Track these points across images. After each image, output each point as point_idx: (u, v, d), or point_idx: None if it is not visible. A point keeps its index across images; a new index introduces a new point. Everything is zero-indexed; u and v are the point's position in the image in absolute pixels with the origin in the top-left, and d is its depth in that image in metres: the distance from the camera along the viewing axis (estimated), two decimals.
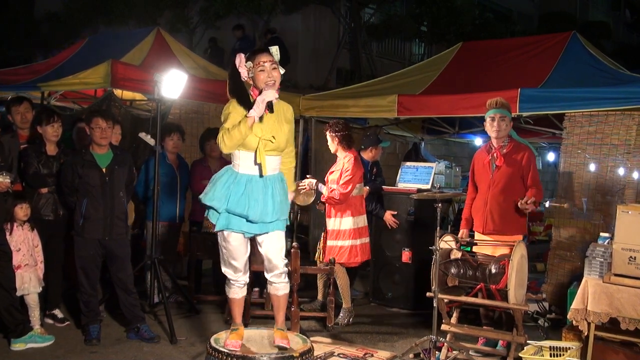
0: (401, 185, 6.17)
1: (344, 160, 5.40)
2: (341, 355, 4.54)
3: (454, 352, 4.42)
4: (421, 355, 4.37)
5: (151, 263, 5.17)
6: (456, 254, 4.58)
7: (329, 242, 5.48)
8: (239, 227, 3.58)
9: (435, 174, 6.20)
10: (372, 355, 4.61)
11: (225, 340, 3.66)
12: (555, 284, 5.60)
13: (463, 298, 4.42)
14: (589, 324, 4.13)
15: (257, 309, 5.37)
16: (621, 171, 5.35)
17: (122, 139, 5.83)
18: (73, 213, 4.78)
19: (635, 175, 5.33)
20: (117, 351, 4.58)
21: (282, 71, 3.60)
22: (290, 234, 6.48)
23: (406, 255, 5.95)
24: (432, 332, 4.24)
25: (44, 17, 13.52)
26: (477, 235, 4.73)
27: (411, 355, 4.50)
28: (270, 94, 3.49)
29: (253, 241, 3.75)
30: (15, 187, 4.65)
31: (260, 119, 3.54)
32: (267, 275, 3.75)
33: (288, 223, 3.77)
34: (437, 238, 4.27)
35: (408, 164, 6.43)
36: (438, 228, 4.26)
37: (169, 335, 4.84)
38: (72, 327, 5.07)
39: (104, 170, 4.71)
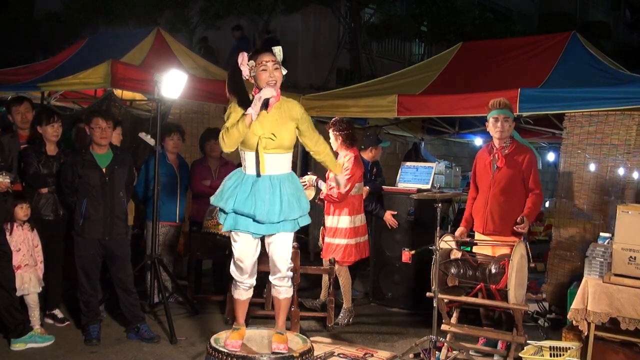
0: (401, 185, 6.17)
1: (344, 159, 5.40)
2: (341, 355, 4.54)
3: (454, 352, 4.42)
4: (421, 355, 4.37)
5: (151, 263, 5.17)
6: (456, 254, 4.58)
7: (326, 239, 5.50)
8: (245, 228, 3.57)
9: (435, 174, 6.20)
10: (372, 355, 4.61)
11: (225, 339, 3.65)
12: (555, 284, 5.60)
13: (463, 298, 4.42)
14: (589, 324, 4.13)
15: (258, 308, 5.37)
16: (621, 171, 5.35)
17: (122, 139, 5.84)
18: (73, 213, 4.78)
19: (635, 175, 5.33)
20: (117, 351, 4.58)
21: (284, 72, 3.59)
22: None
23: (406, 255, 5.94)
24: (432, 332, 4.24)
25: (44, 17, 13.54)
26: (477, 236, 4.72)
27: (411, 355, 4.50)
28: (267, 92, 3.48)
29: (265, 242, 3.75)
30: (15, 187, 4.65)
31: (262, 117, 3.55)
32: (270, 278, 3.74)
33: (307, 222, 3.71)
34: (437, 238, 4.27)
35: (408, 164, 6.43)
36: (438, 228, 4.26)
37: (169, 335, 4.84)
38: (72, 327, 5.07)
39: (104, 170, 4.71)
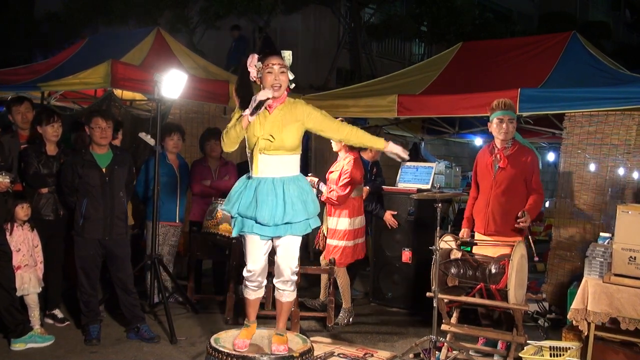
0: (401, 185, 6.17)
1: (344, 162, 5.39)
2: (341, 355, 4.54)
3: (454, 352, 4.42)
4: (421, 355, 4.37)
5: (151, 263, 5.17)
6: (456, 254, 4.58)
7: (328, 241, 5.50)
8: (250, 230, 3.60)
9: (435, 174, 6.20)
10: (372, 355, 4.61)
11: (234, 337, 3.67)
12: (555, 284, 5.60)
13: (463, 298, 4.42)
14: (589, 324, 4.13)
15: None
16: (621, 171, 5.35)
17: (122, 138, 5.84)
18: (73, 213, 4.78)
19: (635, 175, 5.33)
20: (117, 351, 4.58)
21: (291, 76, 3.60)
22: None
23: (406, 255, 5.96)
24: (432, 332, 4.25)
25: (44, 17, 13.52)
26: (478, 236, 4.72)
27: (411, 355, 4.50)
28: (262, 94, 3.50)
29: None
30: (15, 187, 4.65)
31: (264, 118, 3.56)
32: (274, 280, 3.75)
33: (317, 225, 3.71)
34: (437, 238, 4.27)
35: (408, 164, 6.41)
36: (438, 228, 4.26)
37: (169, 335, 4.84)
38: (72, 327, 5.07)
39: (104, 170, 4.72)
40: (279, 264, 3.66)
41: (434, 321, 4.26)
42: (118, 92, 6.68)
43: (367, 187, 5.94)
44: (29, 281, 4.67)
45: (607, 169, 5.41)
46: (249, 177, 3.68)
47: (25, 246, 4.71)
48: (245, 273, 3.73)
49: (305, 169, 7.50)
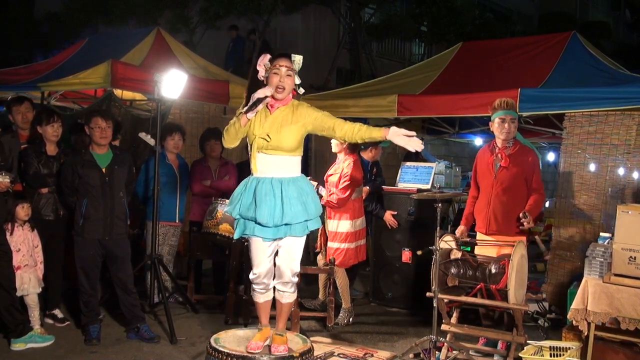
0: (401, 185, 6.17)
1: (344, 165, 5.39)
2: (341, 355, 4.54)
3: (454, 352, 4.42)
4: (421, 355, 4.38)
5: (151, 263, 5.17)
6: (456, 254, 4.58)
7: (329, 244, 5.49)
8: (252, 231, 3.60)
9: (435, 174, 6.20)
10: (372, 355, 4.61)
11: (249, 341, 3.67)
12: (555, 284, 5.60)
13: (463, 298, 4.42)
14: (589, 324, 4.13)
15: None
16: (621, 171, 5.35)
17: (122, 138, 5.83)
18: (73, 213, 4.78)
19: (635, 175, 5.33)
20: (117, 351, 4.58)
21: (297, 81, 3.59)
22: None
23: (406, 255, 5.96)
24: (432, 332, 4.25)
25: (44, 17, 13.52)
26: (480, 236, 4.72)
27: (411, 355, 4.50)
28: (261, 92, 3.50)
29: None
30: (15, 187, 4.65)
31: (264, 117, 3.58)
32: (274, 280, 3.74)
33: (317, 226, 3.70)
34: (437, 238, 4.27)
35: (408, 164, 6.43)
36: (438, 228, 4.26)
37: (169, 335, 4.84)
38: (72, 327, 5.07)
39: (103, 170, 4.72)
40: (280, 265, 3.66)
41: (434, 321, 4.26)
42: (118, 92, 6.68)
43: (367, 187, 5.94)
44: (28, 281, 4.68)
45: (607, 169, 5.41)
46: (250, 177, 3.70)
47: (26, 246, 4.71)
48: (250, 276, 3.74)
49: (305, 170, 7.49)
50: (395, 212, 5.96)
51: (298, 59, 3.59)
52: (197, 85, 6.74)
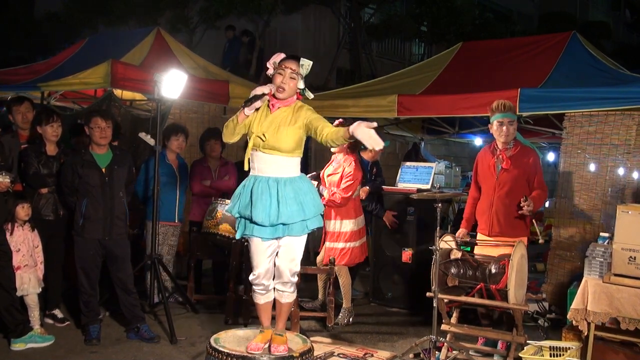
0: (401, 185, 6.17)
1: (345, 164, 5.39)
2: (341, 355, 4.54)
3: (453, 352, 4.42)
4: (421, 355, 4.38)
5: (151, 263, 5.17)
6: (456, 254, 4.58)
7: (328, 244, 5.48)
8: (251, 232, 3.62)
9: (435, 174, 6.20)
10: (372, 355, 4.61)
11: (249, 343, 3.67)
12: (555, 284, 5.60)
13: (463, 298, 4.42)
14: (588, 324, 4.13)
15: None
16: (621, 171, 5.35)
17: (122, 138, 5.83)
18: (73, 213, 4.78)
19: (635, 175, 5.33)
20: (117, 351, 4.58)
21: (301, 85, 3.57)
22: None
23: (406, 255, 5.96)
24: (432, 332, 4.25)
25: (44, 17, 13.52)
26: (483, 238, 4.70)
27: (411, 355, 4.50)
28: (258, 89, 3.51)
29: None
30: (15, 187, 4.65)
31: (264, 116, 3.60)
32: (274, 280, 3.74)
33: (316, 225, 3.68)
34: (437, 238, 4.27)
35: (408, 164, 6.43)
36: (438, 228, 4.26)
37: (169, 335, 4.84)
38: (72, 327, 5.07)
39: (103, 170, 4.72)
40: (279, 265, 3.66)
41: (434, 321, 4.26)
42: (118, 92, 6.68)
43: (367, 187, 5.94)
44: (28, 281, 4.68)
45: (607, 169, 5.41)
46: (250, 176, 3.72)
47: (26, 246, 4.70)
48: (250, 277, 3.74)
49: (305, 170, 7.51)
50: (395, 212, 5.96)
51: (307, 65, 3.58)
52: (197, 85, 6.74)
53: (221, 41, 12.68)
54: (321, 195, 5.37)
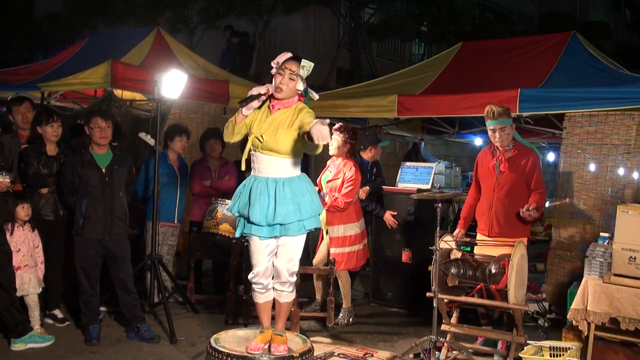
0: (401, 185, 6.17)
1: (345, 169, 5.39)
2: (341, 355, 4.54)
3: (453, 352, 4.42)
4: (421, 355, 4.37)
5: (151, 263, 5.17)
6: (456, 254, 4.58)
7: (335, 250, 5.42)
8: (249, 230, 3.64)
9: (435, 174, 6.20)
10: (372, 355, 4.61)
11: (249, 343, 3.67)
12: (555, 284, 5.60)
13: (463, 298, 4.42)
14: (589, 324, 4.13)
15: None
16: (621, 171, 5.35)
17: (122, 139, 5.83)
18: (73, 213, 4.78)
19: (635, 175, 5.33)
20: (117, 351, 4.58)
21: (300, 87, 3.55)
22: None
23: (406, 255, 5.96)
24: (432, 332, 4.24)
25: (44, 17, 13.52)
26: (482, 238, 4.71)
27: (411, 355, 4.50)
28: (256, 89, 3.52)
29: None
30: (15, 187, 4.65)
31: (264, 117, 3.61)
32: (273, 280, 3.75)
33: (313, 226, 3.68)
34: (437, 238, 4.27)
35: (408, 164, 6.43)
36: (438, 228, 4.26)
37: (169, 335, 4.84)
38: (72, 327, 5.07)
39: (103, 170, 4.72)
40: (277, 265, 3.68)
41: (434, 321, 4.25)
42: (118, 92, 6.68)
43: (367, 187, 5.94)
44: (28, 281, 4.67)
45: (607, 169, 5.41)
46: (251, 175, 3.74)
47: (26, 246, 4.70)
48: (249, 275, 3.76)
49: (305, 171, 7.49)
50: (395, 213, 5.96)
51: (308, 66, 3.56)
52: (197, 85, 6.74)
53: (221, 41, 12.69)
54: (323, 201, 5.35)
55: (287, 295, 3.75)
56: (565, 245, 5.59)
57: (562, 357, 4.09)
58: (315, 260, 5.67)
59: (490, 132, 4.59)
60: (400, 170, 6.33)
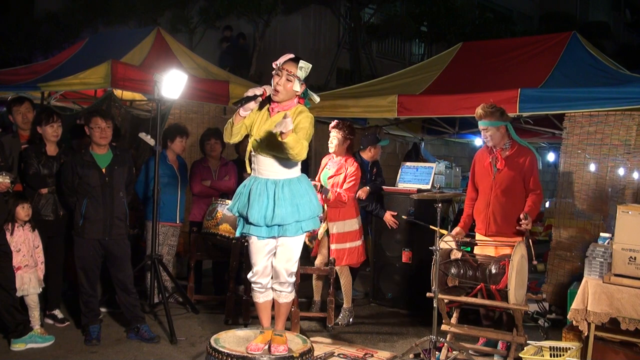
0: (401, 186, 6.17)
1: (347, 164, 5.42)
2: (341, 356, 4.54)
3: (454, 352, 4.42)
4: (421, 356, 4.37)
5: (151, 263, 5.17)
6: (456, 254, 4.58)
7: (336, 246, 5.42)
8: (247, 230, 3.67)
9: (435, 174, 6.20)
10: (372, 356, 4.61)
11: (249, 343, 3.68)
12: (555, 284, 5.60)
13: (463, 298, 4.42)
14: (589, 324, 4.13)
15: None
16: (621, 171, 5.35)
17: (122, 139, 5.83)
18: (73, 213, 4.78)
19: (635, 175, 5.33)
20: (117, 351, 4.58)
21: (297, 88, 3.54)
22: None
23: (406, 256, 5.96)
24: (432, 332, 4.24)
25: (44, 17, 13.51)
26: (480, 237, 4.72)
27: (411, 356, 4.50)
28: (250, 90, 3.52)
29: None
30: (16, 187, 4.65)
31: (263, 119, 3.63)
32: (271, 280, 3.76)
33: (311, 227, 3.69)
34: (437, 238, 4.27)
35: (408, 164, 6.43)
36: (438, 228, 4.26)
37: (169, 335, 4.84)
38: (72, 327, 5.07)
39: (103, 170, 4.72)
40: (275, 266, 3.69)
41: (434, 321, 4.25)
42: (118, 92, 6.68)
43: (367, 187, 5.95)
44: (29, 282, 4.67)
45: (607, 169, 5.41)
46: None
47: (26, 247, 4.70)
48: (249, 275, 3.78)
49: (305, 171, 7.49)
50: (395, 213, 5.96)
51: (306, 67, 3.55)
52: (197, 85, 6.74)
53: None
54: (325, 196, 5.34)
55: (286, 296, 3.76)
56: (565, 246, 5.59)
57: (562, 357, 4.09)
58: (317, 262, 5.67)
59: (482, 132, 4.64)
60: (400, 171, 6.33)
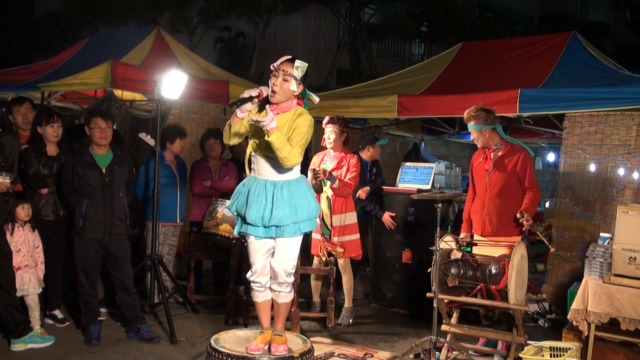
0: (401, 186, 6.17)
1: (348, 157, 5.48)
2: (341, 356, 4.54)
3: (454, 352, 4.42)
4: (421, 356, 4.38)
5: (151, 263, 5.17)
6: (456, 255, 4.58)
7: (337, 238, 5.40)
8: (245, 230, 3.69)
9: (435, 174, 6.20)
10: (372, 356, 4.61)
11: (249, 343, 3.68)
12: (555, 284, 5.60)
13: (463, 298, 4.42)
14: (589, 324, 4.13)
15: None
16: (621, 171, 5.35)
17: (122, 139, 5.83)
18: (73, 213, 4.78)
19: (635, 175, 5.33)
20: (117, 351, 4.58)
21: (293, 87, 3.52)
22: None
23: (406, 256, 5.96)
24: (432, 332, 4.25)
25: (44, 17, 13.52)
26: (477, 237, 4.73)
27: (411, 356, 4.50)
28: (247, 92, 3.51)
29: None
30: (16, 187, 4.65)
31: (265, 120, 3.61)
32: (270, 281, 3.76)
33: (309, 229, 3.71)
34: (437, 238, 4.27)
35: (408, 164, 6.43)
36: (438, 228, 4.26)
37: (169, 335, 4.84)
38: (72, 328, 5.07)
39: (103, 170, 4.72)
40: (273, 266, 3.70)
41: (434, 321, 4.26)
42: (118, 92, 6.68)
43: (367, 187, 5.95)
44: (29, 282, 4.67)
45: (607, 169, 5.41)
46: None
47: (26, 247, 4.70)
48: (248, 274, 3.80)
49: (305, 169, 7.49)
50: (394, 214, 5.96)
51: (302, 67, 3.53)
52: (197, 85, 6.74)
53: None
54: (332, 183, 5.32)
55: (285, 296, 3.76)
56: (565, 246, 5.59)
57: (562, 358, 4.09)
58: (316, 261, 5.66)
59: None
60: (400, 171, 6.33)
